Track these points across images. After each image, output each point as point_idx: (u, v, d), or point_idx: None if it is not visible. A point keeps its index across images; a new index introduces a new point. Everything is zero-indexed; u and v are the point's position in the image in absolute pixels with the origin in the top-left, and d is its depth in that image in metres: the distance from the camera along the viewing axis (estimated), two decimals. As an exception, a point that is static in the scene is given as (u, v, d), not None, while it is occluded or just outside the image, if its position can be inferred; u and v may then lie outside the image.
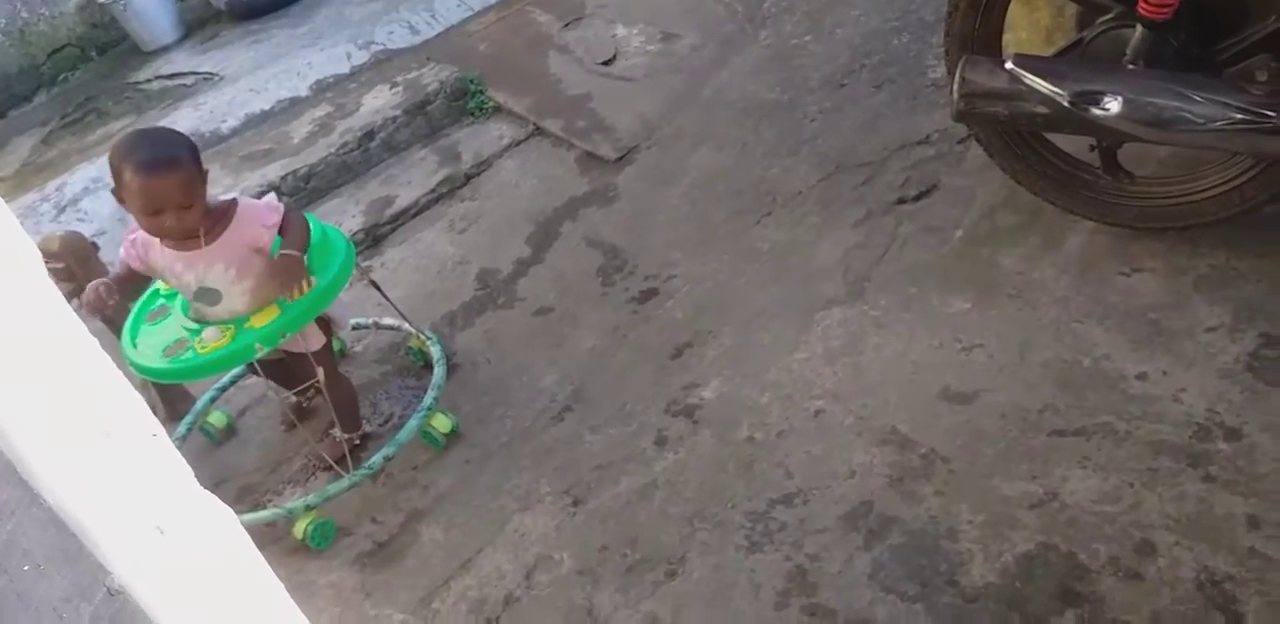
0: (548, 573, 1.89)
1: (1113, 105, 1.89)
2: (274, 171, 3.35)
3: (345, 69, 3.87)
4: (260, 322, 2.01)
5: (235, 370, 2.48)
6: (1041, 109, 1.96)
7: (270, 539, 2.15)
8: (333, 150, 3.40)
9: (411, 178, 3.37)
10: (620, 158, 3.20)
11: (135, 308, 2.19)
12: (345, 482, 2.10)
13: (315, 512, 2.11)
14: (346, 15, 4.32)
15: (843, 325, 2.22)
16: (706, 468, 1.98)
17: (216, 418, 2.52)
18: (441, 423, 2.24)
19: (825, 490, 1.84)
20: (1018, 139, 2.21)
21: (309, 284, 2.02)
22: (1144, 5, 1.84)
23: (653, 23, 3.77)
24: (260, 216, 2.05)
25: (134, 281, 2.15)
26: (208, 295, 2.06)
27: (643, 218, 2.88)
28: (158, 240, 2.02)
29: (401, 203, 3.26)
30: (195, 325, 2.05)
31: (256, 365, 2.12)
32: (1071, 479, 1.70)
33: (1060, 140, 2.18)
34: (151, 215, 1.92)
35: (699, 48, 3.61)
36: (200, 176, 1.97)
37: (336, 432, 2.28)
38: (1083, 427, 1.79)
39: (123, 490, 0.92)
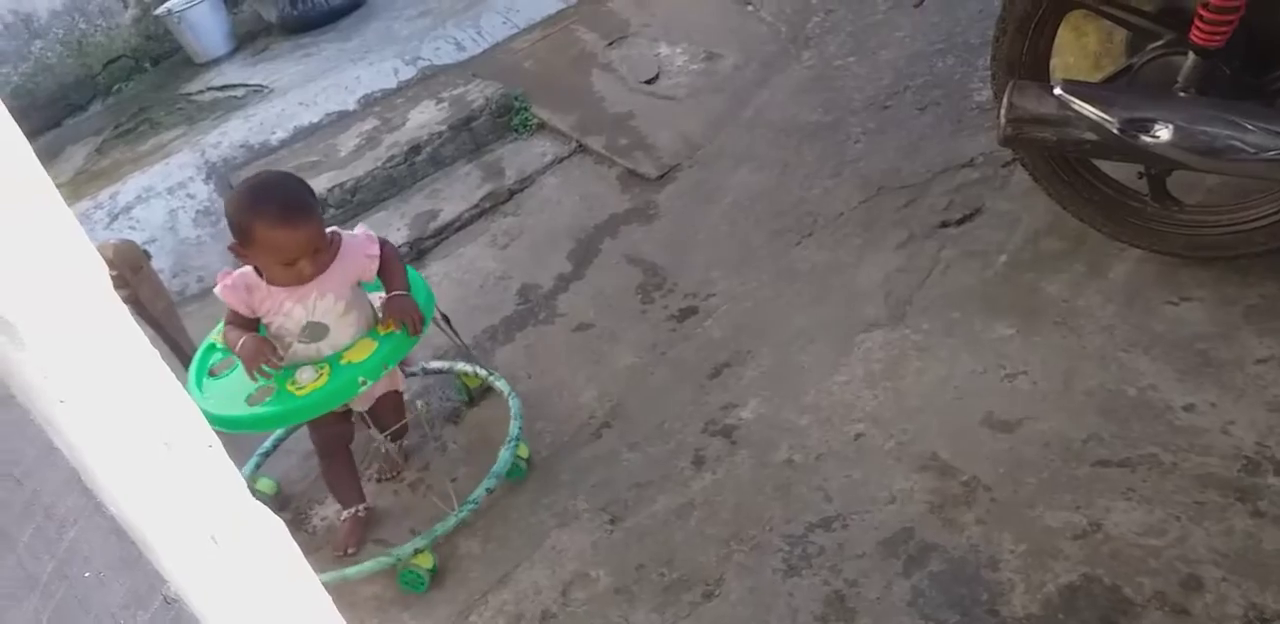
0: (584, 590, 1.89)
1: (1163, 133, 1.87)
2: (321, 184, 3.40)
3: (393, 84, 3.93)
4: (357, 357, 1.95)
5: (278, 433, 2.45)
6: (1090, 135, 1.94)
7: (312, 548, 2.16)
8: (379, 164, 3.45)
9: (456, 192, 3.41)
10: (661, 176, 3.22)
11: (194, 364, 2.10)
12: (452, 520, 2.05)
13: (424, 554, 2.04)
14: (395, 30, 4.38)
15: (884, 349, 2.21)
16: (744, 489, 1.98)
17: (264, 485, 2.41)
18: (523, 450, 2.23)
19: (864, 515, 1.83)
20: (1064, 164, 2.20)
21: (421, 320, 2.01)
22: (1196, 32, 1.83)
23: (696, 42, 3.80)
24: (363, 247, 2.03)
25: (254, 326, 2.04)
26: (315, 330, 2.00)
27: (683, 236, 2.89)
28: (262, 280, 1.97)
29: (445, 217, 3.30)
30: (284, 369, 1.96)
31: (357, 413, 2.10)
32: (1116, 510, 1.68)
33: (1108, 167, 2.17)
34: (288, 265, 1.89)
35: (741, 67, 3.63)
36: (323, 219, 1.95)
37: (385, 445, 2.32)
38: (1128, 457, 1.77)
39: (179, 500, 0.94)
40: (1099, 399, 1.90)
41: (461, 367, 2.51)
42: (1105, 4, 2.06)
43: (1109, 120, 1.91)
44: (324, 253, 1.93)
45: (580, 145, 3.45)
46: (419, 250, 3.23)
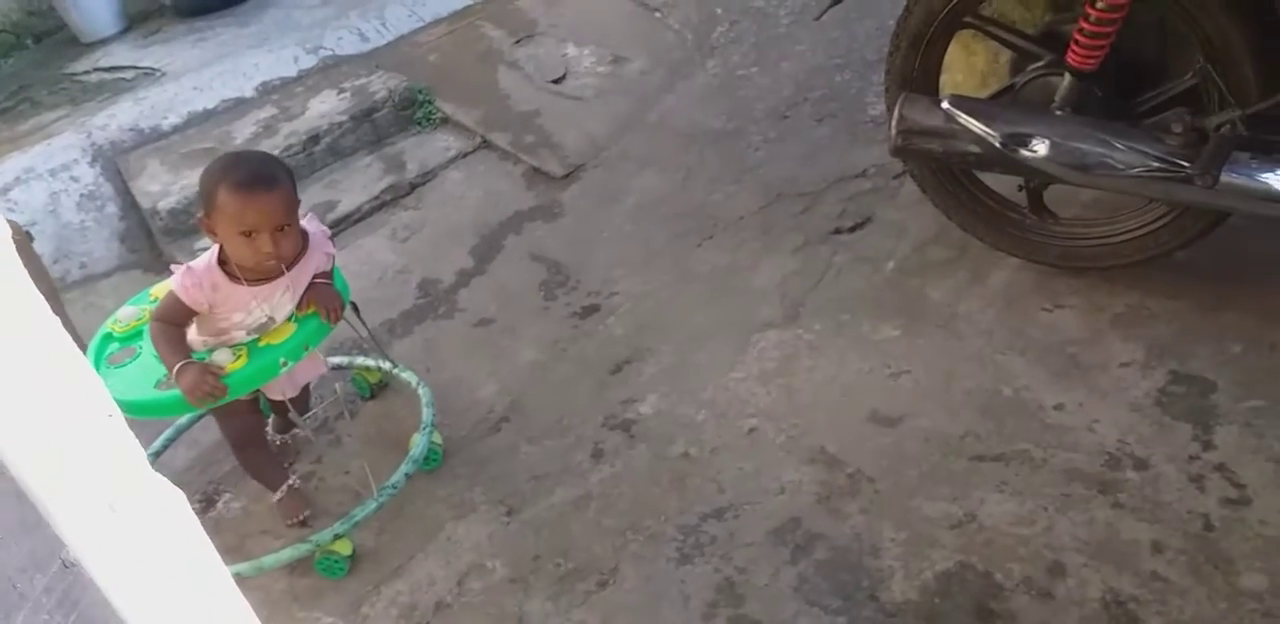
0: (480, 580, 1.90)
1: (1040, 148, 1.98)
2: (215, 170, 3.32)
3: (292, 72, 3.85)
4: (275, 339, 1.92)
5: (180, 423, 2.39)
6: (974, 148, 2.04)
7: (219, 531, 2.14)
8: (276, 152, 3.37)
9: (355, 184, 3.37)
10: (567, 175, 3.24)
11: (90, 353, 2.00)
12: (372, 504, 2.02)
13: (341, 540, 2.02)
14: (295, 18, 4.29)
15: (778, 347, 2.28)
16: (641, 481, 2.02)
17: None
18: (437, 437, 2.23)
19: (755, 506, 1.89)
20: (950, 177, 2.30)
21: (341, 309, 2.00)
22: (1072, 55, 1.94)
23: (603, 45, 3.84)
24: (322, 244, 2.00)
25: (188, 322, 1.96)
26: (266, 325, 1.95)
27: (586, 235, 2.92)
28: (225, 277, 1.88)
29: (344, 208, 3.25)
30: (199, 352, 1.91)
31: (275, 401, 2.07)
32: (989, 502, 1.78)
33: (990, 180, 2.28)
34: (246, 236, 1.81)
35: (648, 72, 3.69)
36: (296, 201, 1.89)
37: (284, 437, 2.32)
38: (1002, 453, 1.87)
39: (78, 467, 0.93)
40: (977, 398, 2.01)
41: (362, 361, 2.48)
42: (991, 25, 2.18)
43: (991, 134, 2.01)
44: (289, 237, 1.86)
45: (485, 141, 3.45)
46: (316, 241, 3.18)
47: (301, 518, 2.14)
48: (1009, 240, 2.28)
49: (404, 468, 2.08)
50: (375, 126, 3.55)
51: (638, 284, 2.65)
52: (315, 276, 2.01)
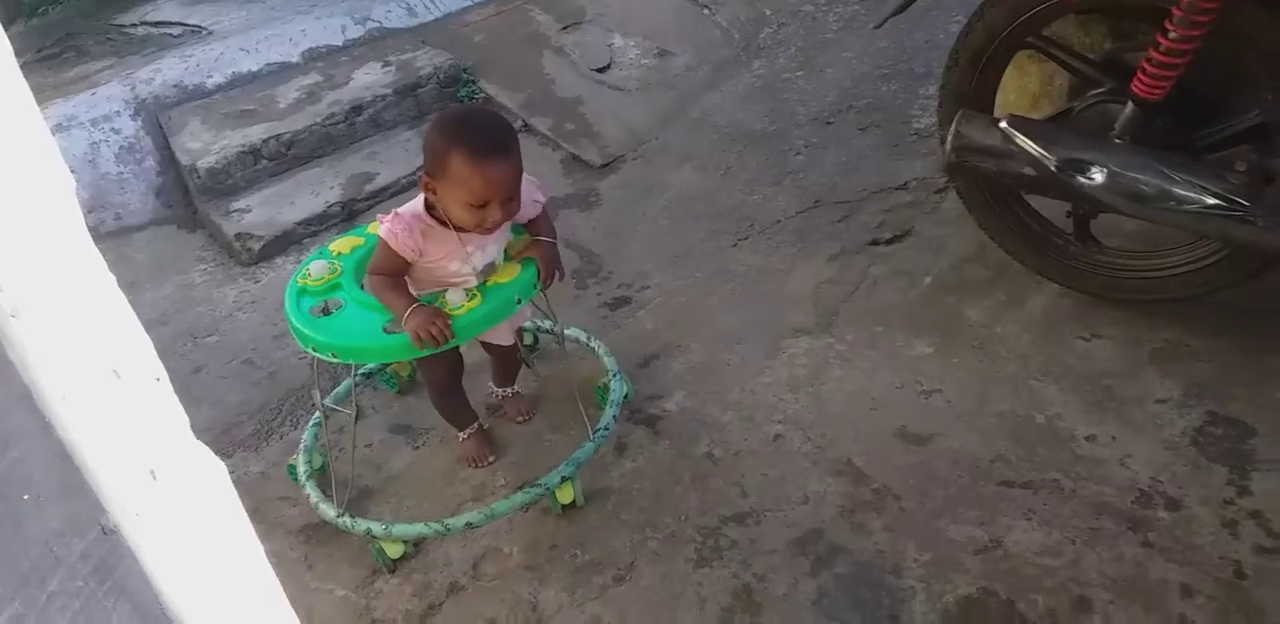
0: (495, 565, 1.88)
1: (1097, 176, 1.95)
2: (256, 133, 3.30)
3: (339, 41, 3.83)
4: (503, 278, 1.85)
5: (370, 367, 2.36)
6: (1029, 170, 2.02)
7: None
8: (318, 120, 3.36)
9: (394, 157, 3.35)
10: (605, 165, 3.22)
11: (289, 308, 1.88)
12: (590, 446, 2.00)
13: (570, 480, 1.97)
14: (345, -12, 4.27)
15: (808, 355, 2.26)
16: (663, 478, 2.00)
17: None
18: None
19: (778, 513, 1.87)
20: (998, 197, 2.27)
21: (562, 274, 1.96)
22: (1139, 83, 1.91)
23: (650, 37, 3.81)
24: (529, 192, 1.89)
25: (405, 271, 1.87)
26: (489, 269, 1.88)
27: (622, 226, 2.90)
28: (435, 222, 1.79)
29: (381, 181, 3.23)
30: (425, 295, 1.83)
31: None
32: (1016, 529, 1.76)
33: (1038, 202, 2.26)
34: (478, 207, 1.72)
35: (693, 68, 3.66)
36: (522, 164, 1.79)
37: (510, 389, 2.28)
38: (1031, 480, 1.85)
39: (123, 431, 0.91)
40: (1008, 423, 1.98)
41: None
42: (1055, 48, 2.15)
43: (1048, 158, 1.99)
44: (515, 201, 1.78)
45: (526, 125, 3.43)
46: (350, 211, 3.16)
47: (488, 462, 2.12)
48: (1051, 265, 2.26)
49: (610, 411, 2.08)
50: (418, 102, 3.53)
51: (670, 279, 2.63)
52: (533, 231, 1.94)
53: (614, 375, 2.18)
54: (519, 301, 1.84)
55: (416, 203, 1.82)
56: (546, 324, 2.33)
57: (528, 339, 2.41)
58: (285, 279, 2.95)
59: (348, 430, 2.08)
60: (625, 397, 2.18)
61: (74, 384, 0.87)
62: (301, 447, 2.16)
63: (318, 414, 2.20)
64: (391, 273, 1.81)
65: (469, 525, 1.88)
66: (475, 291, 1.81)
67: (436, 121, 1.79)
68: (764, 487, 1.93)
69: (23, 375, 0.83)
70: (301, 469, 2.10)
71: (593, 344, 2.30)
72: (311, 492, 2.03)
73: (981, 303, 2.32)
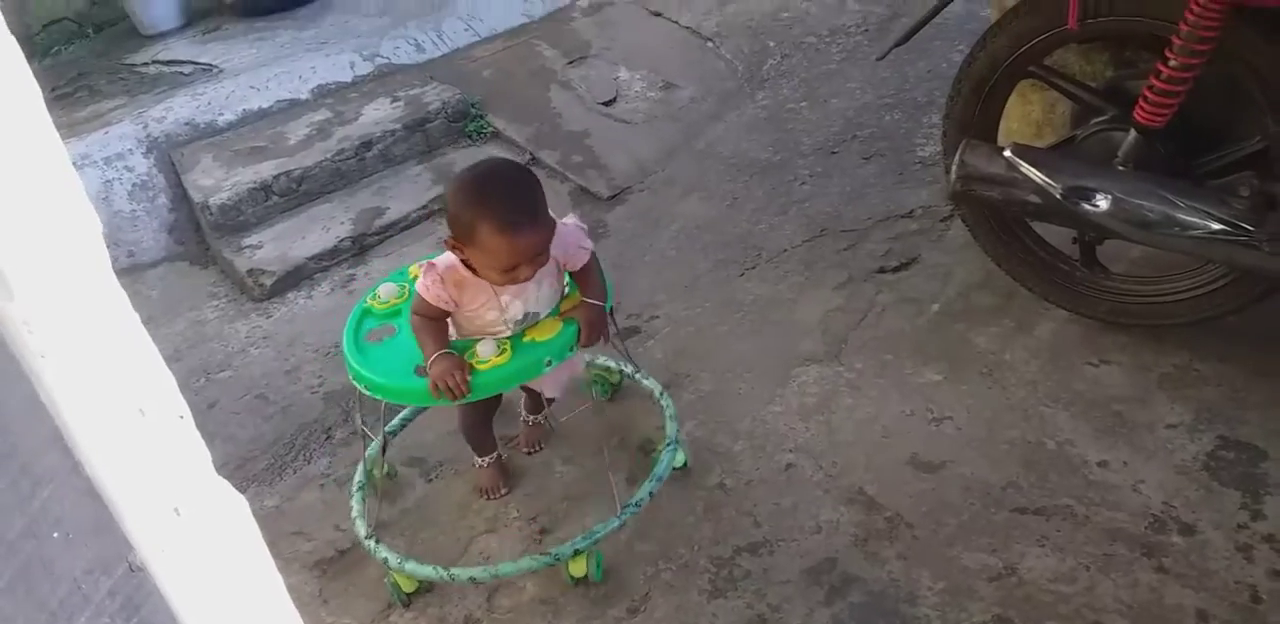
0: (510, 598, 1.88)
1: (1102, 203, 1.97)
2: (267, 170, 3.34)
3: (348, 78, 3.89)
4: (541, 335, 1.80)
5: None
6: (1034, 198, 2.04)
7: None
8: (328, 155, 3.40)
9: (404, 192, 3.38)
10: (613, 197, 3.26)
11: (347, 331, 1.89)
12: (615, 522, 1.89)
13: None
14: (353, 25, 4.34)
15: (818, 383, 2.27)
16: (675, 509, 2.00)
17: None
18: (682, 454, 2.12)
19: (791, 543, 1.87)
20: (1003, 224, 2.29)
21: (604, 340, 1.91)
22: (1140, 111, 1.94)
23: (655, 70, 3.86)
24: (576, 237, 1.86)
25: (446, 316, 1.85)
26: (529, 320, 1.85)
27: (630, 258, 2.93)
28: (469, 273, 1.76)
29: (392, 215, 3.27)
30: (461, 342, 1.82)
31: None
32: (1030, 556, 1.76)
33: (1043, 230, 2.27)
34: (507, 271, 1.70)
35: (698, 100, 3.70)
36: (552, 221, 1.75)
37: (537, 417, 2.27)
38: (1043, 506, 1.85)
39: (149, 469, 0.92)
40: (1019, 449, 1.99)
41: (602, 361, 2.36)
42: (1057, 77, 2.18)
43: (1053, 185, 2.01)
44: (545, 255, 1.74)
45: (534, 158, 3.47)
46: (361, 246, 3.19)
47: (499, 494, 2.12)
48: (1058, 292, 2.27)
49: (648, 486, 1.95)
50: (427, 137, 3.57)
51: (679, 309, 2.64)
52: (581, 284, 1.91)
53: (669, 444, 2.02)
54: (549, 363, 1.78)
55: (450, 255, 1.79)
56: (617, 366, 2.31)
57: (604, 392, 2.37)
58: (297, 314, 3.00)
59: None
60: (683, 464, 2.08)
61: (101, 423, 0.89)
62: (363, 459, 2.16)
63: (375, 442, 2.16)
64: (430, 316, 1.80)
65: (472, 580, 1.87)
66: (507, 345, 1.78)
67: (458, 188, 1.73)
68: (776, 516, 1.94)
69: (54, 417, 0.85)
70: (356, 479, 2.11)
71: (662, 402, 2.16)
72: (356, 505, 2.03)
73: (989, 330, 2.33)
